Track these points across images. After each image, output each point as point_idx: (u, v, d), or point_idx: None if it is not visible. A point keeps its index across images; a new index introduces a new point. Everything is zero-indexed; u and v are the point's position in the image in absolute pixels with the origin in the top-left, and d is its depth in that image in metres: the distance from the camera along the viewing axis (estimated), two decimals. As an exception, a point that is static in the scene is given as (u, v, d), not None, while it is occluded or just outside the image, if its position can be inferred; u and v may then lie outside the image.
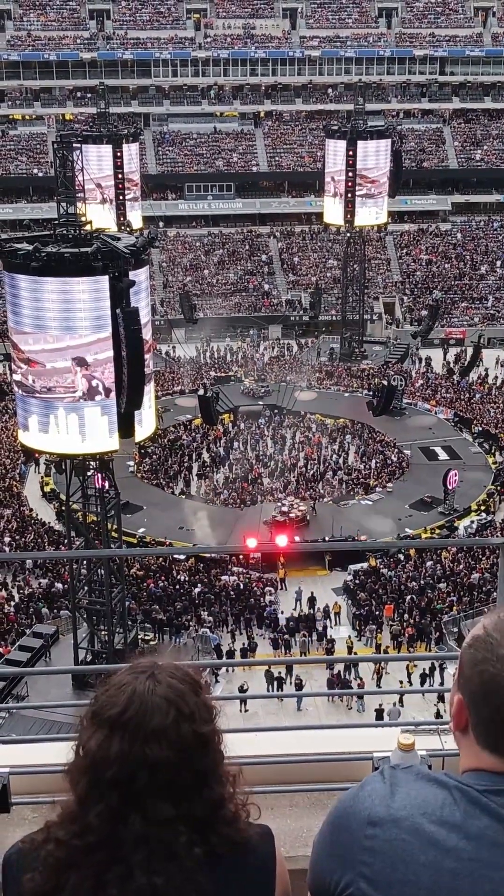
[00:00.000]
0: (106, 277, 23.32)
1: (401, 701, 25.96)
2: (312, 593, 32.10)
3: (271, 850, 1.90)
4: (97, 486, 26.94)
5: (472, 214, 70.73)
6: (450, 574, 33.32)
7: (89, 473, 27.00)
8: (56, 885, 1.72)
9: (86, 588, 28.00)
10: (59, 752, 1.86)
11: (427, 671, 28.02)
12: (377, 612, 30.91)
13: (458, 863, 1.64)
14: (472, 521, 37.12)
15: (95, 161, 50.47)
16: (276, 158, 71.28)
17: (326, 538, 34.73)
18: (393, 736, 3.21)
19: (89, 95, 67.40)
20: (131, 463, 41.11)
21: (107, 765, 1.73)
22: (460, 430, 47.05)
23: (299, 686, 26.82)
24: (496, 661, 1.73)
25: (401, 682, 27.43)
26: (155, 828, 1.71)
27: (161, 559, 34.21)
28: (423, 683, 27.66)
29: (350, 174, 53.74)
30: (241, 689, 26.30)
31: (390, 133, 56.48)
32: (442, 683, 26.78)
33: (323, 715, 25.89)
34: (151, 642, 29.15)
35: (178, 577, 33.37)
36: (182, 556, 34.32)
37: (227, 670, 28.09)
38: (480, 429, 46.42)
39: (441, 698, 24.52)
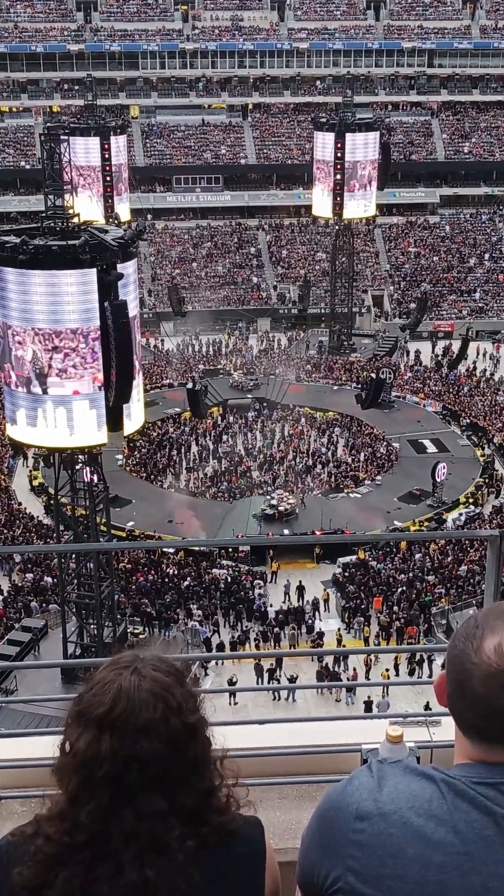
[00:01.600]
0: (94, 270, 23.25)
1: (386, 691, 26.07)
2: (301, 581, 32.18)
3: (261, 840, 1.90)
4: (86, 479, 26.89)
5: (460, 207, 70.76)
6: (438, 566, 33.44)
7: (78, 467, 26.95)
8: (45, 881, 1.72)
9: (75, 582, 27.97)
10: (49, 746, 1.86)
11: (416, 663, 28.17)
12: (363, 606, 30.98)
13: (445, 856, 1.65)
14: (461, 514, 37.23)
15: (83, 153, 50.30)
16: (265, 151, 71.14)
17: (315, 531, 34.77)
18: (381, 728, 3.21)
19: (77, 87, 67.03)
20: (120, 456, 41.05)
21: (97, 764, 1.72)
22: (448, 422, 47.15)
23: (292, 682, 26.84)
24: (464, 638, 1.78)
25: (386, 670, 27.52)
26: (146, 822, 1.71)
27: (150, 553, 34.20)
28: (411, 674, 27.76)
29: (338, 166, 53.69)
30: (231, 682, 26.33)
31: (379, 125, 56.40)
32: (430, 675, 26.88)
33: (312, 707, 25.95)
34: (141, 636, 29.15)
35: (167, 570, 33.37)
36: (171, 550, 34.33)
37: (217, 663, 28.11)
38: (468, 421, 46.56)
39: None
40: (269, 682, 27.06)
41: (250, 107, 72.67)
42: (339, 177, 53.81)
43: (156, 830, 1.72)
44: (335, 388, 51.13)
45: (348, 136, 53.38)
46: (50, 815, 1.79)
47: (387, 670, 27.56)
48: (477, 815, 1.68)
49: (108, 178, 53.11)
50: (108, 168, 52.97)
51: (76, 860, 1.71)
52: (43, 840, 1.76)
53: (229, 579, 32.69)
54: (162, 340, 58.72)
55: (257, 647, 29.07)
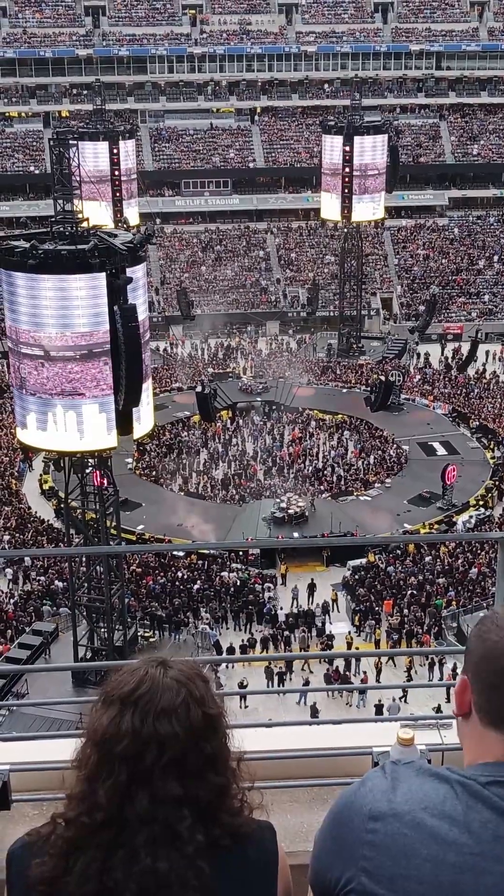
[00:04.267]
0: (103, 274, 23.31)
1: (405, 697, 26.02)
2: (313, 580, 32.18)
3: (273, 844, 1.91)
4: (96, 483, 26.94)
5: (469, 209, 70.67)
6: (448, 569, 33.36)
7: (88, 471, 26.99)
8: (64, 870, 1.75)
9: (85, 585, 28.01)
10: (60, 750, 1.88)
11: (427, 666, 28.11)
12: (376, 608, 30.94)
13: (459, 857, 1.65)
14: (471, 516, 37.13)
15: (92, 158, 50.42)
16: (273, 154, 71.19)
17: (325, 534, 34.73)
18: (392, 731, 3.21)
19: (85, 92, 67.25)
20: (130, 460, 41.09)
21: (117, 740, 1.77)
22: (458, 425, 47.06)
23: (306, 685, 26.83)
24: (498, 629, 1.81)
25: (407, 678, 27.45)
26: (161, 807, 1.74)
27: (160, 556, 34.20)
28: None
29: (347, 169, 53.70)
30: (241, 686, 26.33)
31: (387, 128, 56.42)
32: (441, 678, 26.81)
33: (323, 710, 25.89)
34: (151, 639, 29.16)
35: (178, 573, 33.37)
36: (181, 553, 34.34)
37: (227, 666, 28.11)
38: (478, 423, 46.46)
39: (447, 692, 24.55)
40: (279, 686, 27.05)
41: (258, 110, 72.75)
42: (347, 180, 53.82)
43: (169, 818, 1.74)
44: (344, 390, 51.11)
45: (356, 139, 53.44)
46: (68, 800, 1.82)
47: (407, 677, 27.48)
48: (490, 815, 1.68)
49: (117, 183, 53.25)
50: (116, 172, 53.09)
51: (94, 844, 1.74)
52: (62, 826, 1.79)
53: (239, 582, 32.69)
54: (172, 344, 58.83)
55: (267, 650, 29.05)
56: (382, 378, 45.54)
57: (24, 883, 1.79)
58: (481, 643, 1.82)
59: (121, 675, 1.85)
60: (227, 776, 1.84)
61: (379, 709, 25.09)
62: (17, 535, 35.29)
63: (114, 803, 1.75)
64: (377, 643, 29.15)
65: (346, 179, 53.83)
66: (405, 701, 25.90)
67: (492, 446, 44.15)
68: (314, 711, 25.17)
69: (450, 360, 56.09)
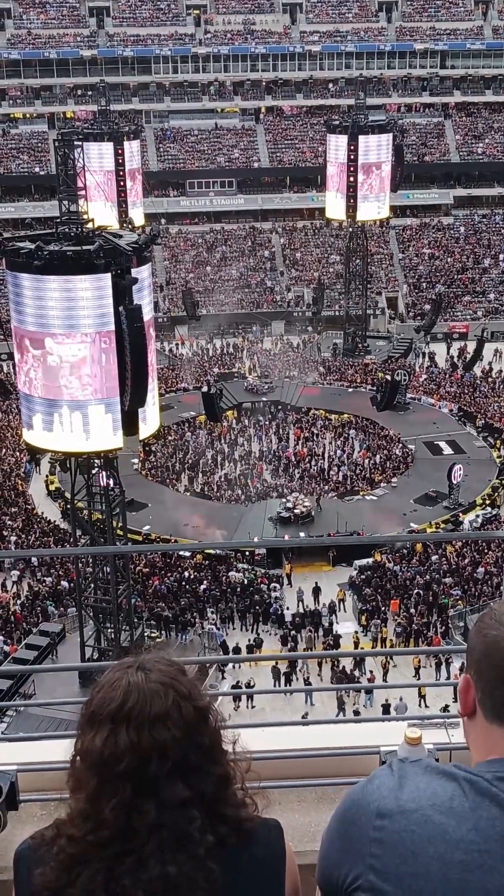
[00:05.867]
0: (108, 275, 23.30)
1: (422, 698, 25.99)
2: (317, 583, 32.15)
3: (281, 842, 1.91)
4: (102, 484, 26.96)
5: (474, 208, 70.57)
6: (455, 568, 33.32)
7: (94, 471, 27.02)
8: (68, 881, 1.73)
9: (92, 586, 28.04)
10: (67, 750, 1.87)
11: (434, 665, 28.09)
12: (383, 608, 30.92)
13: (466, 854, 1.64)
14: (477, 516, 37.09)
15: (97, 159, 50.48)
16: (278, 154, 71.18)
17: (331, 533, 34.71)
18: (400, 730, 3.21)
19: (90, 93, 67.31)
20: (135, 460, 41.12)
21: (117, 759, 1.73)
22: (464, 424, 46.99)
23: (308, 685, 26.84)
24: (499, 625, 1.80)
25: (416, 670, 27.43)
26: (170, 812, 1.72)
27: (166, 556, 34.21)
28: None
29: (352, 169, 53.67)
30: (248, 685, 26.33)
31: (391, 127, 56.34)
32: (448, 677, 26.79)
33: (329, 710, 25.89)
34: (158, 639, 29.18)
35: (184, 574, 33.39)
36: (187, 553, 34.36)
37: (234, 667, 28.12)
38: (484, 422, 46.39)
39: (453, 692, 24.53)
40: (285, 686, 27.05)
41: (263, 110, 72.73)
42: (352, 179, 53.79)
43: (179, 821, 1.73)
44: (350, 390, 51.08)
45: (361, 138, 53.39)
46: (70, 817, 1.79)
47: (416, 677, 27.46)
48: (498, 811, 1.68)
49: (122, 183, 53.30)
50: (121, 173, 53.15)
51: (99, 857, 1.72)
52: (66, 840, 1.77)
53: (245, 582, 32.69)
54: (176, 345, 58.82)
55: (288, 650, 29.09)
56: (388, 377, 45.48)
57: (29, 886, 1.79)
58: (482, 640, 1.81)
59: (103, 692, 1.80)
60: (225, 765, 1.84)
61: (386, 708, 25.10)
62: (24, 535, 35.35)
63: (121, 819, 1.72)
64: (383, 642, 29.12)
65: (351, 179, 53.79)
66: (424, 705, 25.80)
67: (498, 445, 44.08)
68: (340, 703, 25.30)
69: (455, 359, 56.01)
